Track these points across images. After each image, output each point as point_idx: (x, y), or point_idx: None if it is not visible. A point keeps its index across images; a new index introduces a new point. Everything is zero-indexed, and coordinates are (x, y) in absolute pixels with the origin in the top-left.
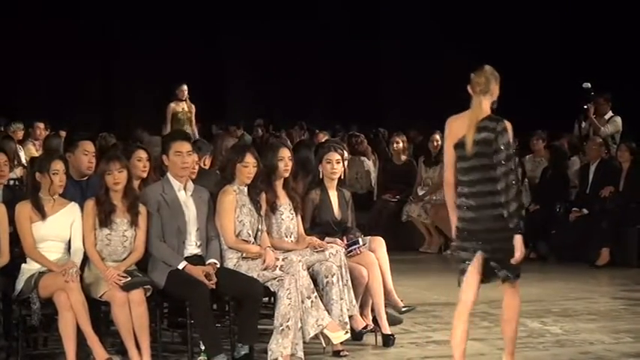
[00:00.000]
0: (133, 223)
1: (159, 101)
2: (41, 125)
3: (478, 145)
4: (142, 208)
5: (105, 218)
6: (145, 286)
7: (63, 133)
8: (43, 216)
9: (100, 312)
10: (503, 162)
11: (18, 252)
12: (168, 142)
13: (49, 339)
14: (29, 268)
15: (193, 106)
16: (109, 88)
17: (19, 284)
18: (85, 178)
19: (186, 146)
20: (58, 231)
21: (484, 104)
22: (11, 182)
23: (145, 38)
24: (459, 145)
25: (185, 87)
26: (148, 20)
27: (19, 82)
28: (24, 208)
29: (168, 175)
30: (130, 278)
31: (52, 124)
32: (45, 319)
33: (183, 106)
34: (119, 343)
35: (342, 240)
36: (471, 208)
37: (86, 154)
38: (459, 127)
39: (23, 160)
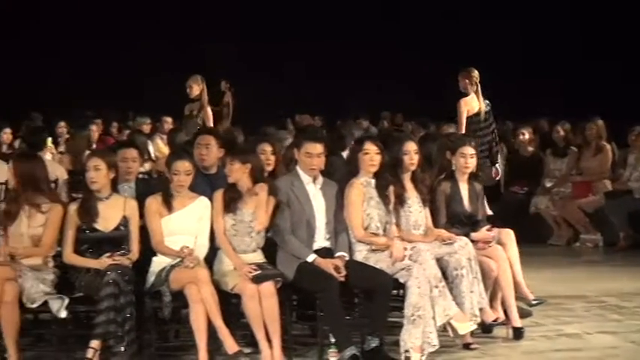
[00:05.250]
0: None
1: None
2: (169, 119)
3: (486, 114)
4: (271, 199)
5: (231, 209)
6: (276, 279)
7: None
8: (172, 210)
9: (230, 304)
10: (493, 124)
11: (149, 245)
12: (301, 139)
13: (180, 331)
14: (160, 261)
15: (209, 110)
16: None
17: (151, 277)
18: (213, 172)
19: (317, 148)
20: (187, 225)
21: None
22: (140, 176)
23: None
24: (476, 115)
25: (192, 82)
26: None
27: (147, 77)
28: (153, 203)
29: (298, 168)
30: (260, 271)
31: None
32: (176, 311)
33: (192, 109)
34: (249, 336)
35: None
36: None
37: (198, 147)
38: (473, 104)
39: (152, 155)
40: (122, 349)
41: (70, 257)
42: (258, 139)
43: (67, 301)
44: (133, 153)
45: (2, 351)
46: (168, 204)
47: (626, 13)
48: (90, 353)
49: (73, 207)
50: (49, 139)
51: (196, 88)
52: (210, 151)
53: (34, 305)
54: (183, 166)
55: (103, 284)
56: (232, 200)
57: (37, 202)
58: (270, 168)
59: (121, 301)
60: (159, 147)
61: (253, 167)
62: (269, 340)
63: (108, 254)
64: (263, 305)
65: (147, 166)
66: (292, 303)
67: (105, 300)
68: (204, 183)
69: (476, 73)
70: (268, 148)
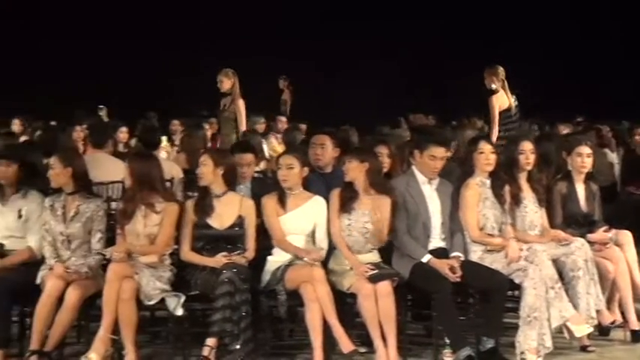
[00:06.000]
0: (376, 214)
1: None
2: (283, 119)
3: (516, 108)
4: (386, 199)
5: (346, 209)
6: (393, 278)
7: (303, 127)
8: (287, 210)
9: (345, 304)
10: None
11: (264, 244)
12: (424, 141)
13: (295, 330)
14: (275, 260)
15: (241, 102)
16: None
17: (266, 276)
18: (328, 171)
19: (442, 151)
20: (301, 224)
21: None
22: (255, 175)
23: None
24: (507, 110)
25: (222, 76)
26: None
27: (259, 77)
28: (269, 202)
29: (414, 168)
30: (377, 270)
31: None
32: (291, 310)
33: (225, 103)
34: (364, 335)
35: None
36: None
37: (313, 147)
38: (503, 100)
39: (266, 154)
40: (237, 347)
41: (187, 255)
42: (374, 140)
43: (183, 298)
44: (248, 158)
45: (120, 348)
46: (282, 203)
47: None
48: (206, 351)
49: (189, 204)
50: (165, 138)
51: (227, 81)
52: (326, 151)
53: (151, 303)
54: (284, 160)
55: (219, 282)
56: (348, 200)
57: (153, 201)
58: (385, 170)
59: (236, 300)
60: (273, 146)
61: (370, 167)
62: (384, 340)
63: (224, 253)
64: (379, 305)
65: (262, 165)
66: (407, 303)
67: (220, 298)
68: (320, 182)
69: (501, 70)
70: (385, 150)
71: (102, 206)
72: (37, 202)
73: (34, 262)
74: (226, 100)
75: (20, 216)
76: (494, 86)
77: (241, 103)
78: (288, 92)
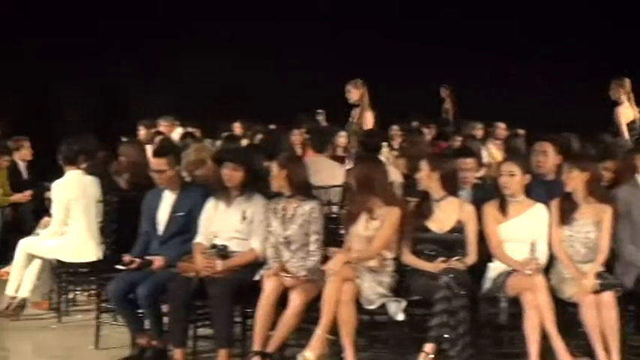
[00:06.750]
0: (598, 223)
1: None
2: (502, 125)
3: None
4: (607, 208)
5: (567, 219)
6: (616, 289)
7: (522, 132)
8: (508, 217)
9: (566, 313)
10: None
11: (485, 251)
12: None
13: (515, 338)
14: (496, 267)
15: (369, 114)
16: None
17: (486, 283)
18: (550, 178)
19: None
20: (522, 232)
21: None
22: (476, 181)
23: None
24: (632, 122)
25: (350, 86)
26: None
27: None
28: (490, 209)
29: (638, 177)
30: (600, 280)
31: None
32: (513, 317)
33: (354, 114)
34: (585, 345)
35: None
36: None
37: (535, 154)
38: (627, 112)
39: (485, 160)
40: (455, 353)
41: (408, 258)
42: (602, 153)
43: (404, 304)
44: (470, 163)
45: (338, 350)
46: (503, 210)
47: None
48: (423, 357)
49: (410, 208)
50: (385, 143)
51: (355, 92)
52: (547, 158)
53: (372, 307)
54: (506, 166)
55: (437, 287)
56: (568, 211)
57: (374, 204)
58: (606, 184)
59: (453, 305)
60: (491, 152)
61: (591, 176)
62: (607, 351)
63: (442, 258)
64: (602, 315)
65: (481, 171)
66: (630, 313)
67: (438, 303)
68: (541, 189)
69: (628, 82)
70: (611, 165)
71: (317, 207)
72: (260, 204)
73: (255, 263)
74: (355, 112)
75: (244, 218)
76: (620, 98)
77: (369, 115)
78: (449, 101)
